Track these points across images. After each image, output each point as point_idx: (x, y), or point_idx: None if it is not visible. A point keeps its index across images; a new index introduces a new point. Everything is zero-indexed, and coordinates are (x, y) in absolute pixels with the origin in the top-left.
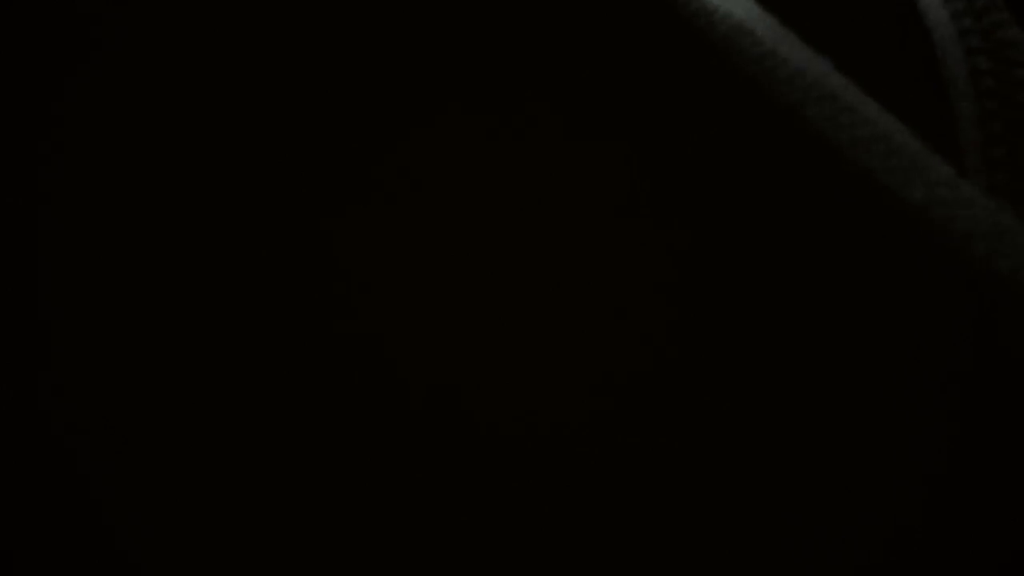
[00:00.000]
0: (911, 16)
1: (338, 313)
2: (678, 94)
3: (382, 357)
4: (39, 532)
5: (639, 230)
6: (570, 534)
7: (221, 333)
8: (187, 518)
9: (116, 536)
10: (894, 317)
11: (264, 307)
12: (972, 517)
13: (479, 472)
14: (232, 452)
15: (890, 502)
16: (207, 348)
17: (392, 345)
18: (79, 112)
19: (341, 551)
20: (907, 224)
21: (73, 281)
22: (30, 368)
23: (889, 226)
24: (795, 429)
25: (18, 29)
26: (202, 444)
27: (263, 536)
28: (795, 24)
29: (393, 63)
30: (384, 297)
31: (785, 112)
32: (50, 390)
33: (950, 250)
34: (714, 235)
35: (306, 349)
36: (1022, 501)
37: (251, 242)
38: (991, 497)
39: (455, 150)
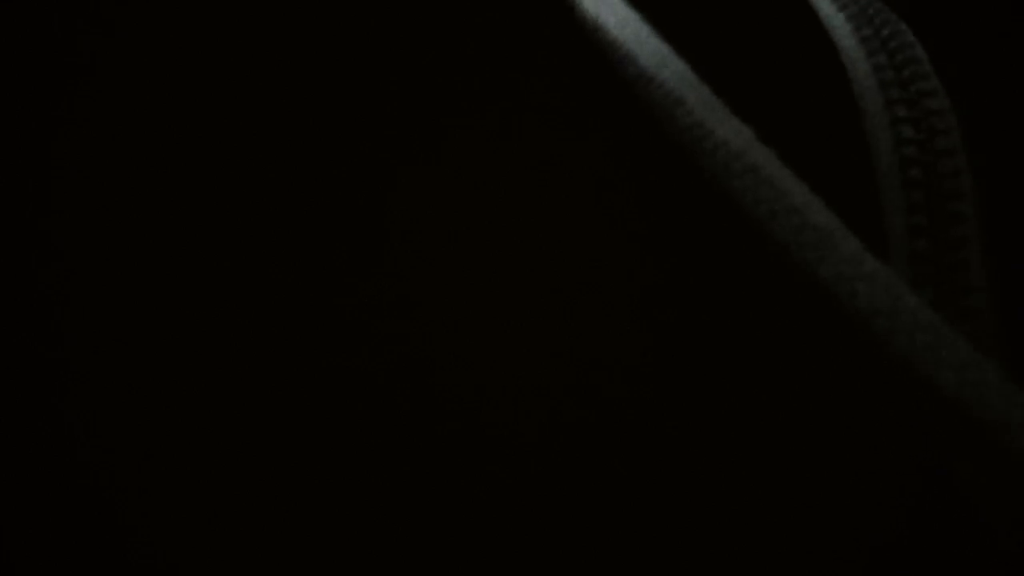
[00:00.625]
0: (840, 85)
1: (338, 312)
2: (615, 151)
3: (382, 357)
4: (44, 531)
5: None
6: (566, 535)
7: (221, 331)
8: (199, 517)
9: (123, 534)
10: (812, 380)
11: (264, 307)
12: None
13: (476, 472)
14: (231, 453)
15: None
16: (213, 348)
17: (391, 345)
18: (94, 113)
19: (342, 551)
20: (820, 298)
21: (87, 279)
22: (35, 368)
23: (806, 299)
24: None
25: (22, 30)
26: (208, 445)
27: (266, 534)
28: (727, 89)
29: (393, 67)
30: (382, 297)
31: (710, 181)
32: (59, 391)
33: (854, 326)
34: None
35: (306, 349)
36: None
37: (252, 243)
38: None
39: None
